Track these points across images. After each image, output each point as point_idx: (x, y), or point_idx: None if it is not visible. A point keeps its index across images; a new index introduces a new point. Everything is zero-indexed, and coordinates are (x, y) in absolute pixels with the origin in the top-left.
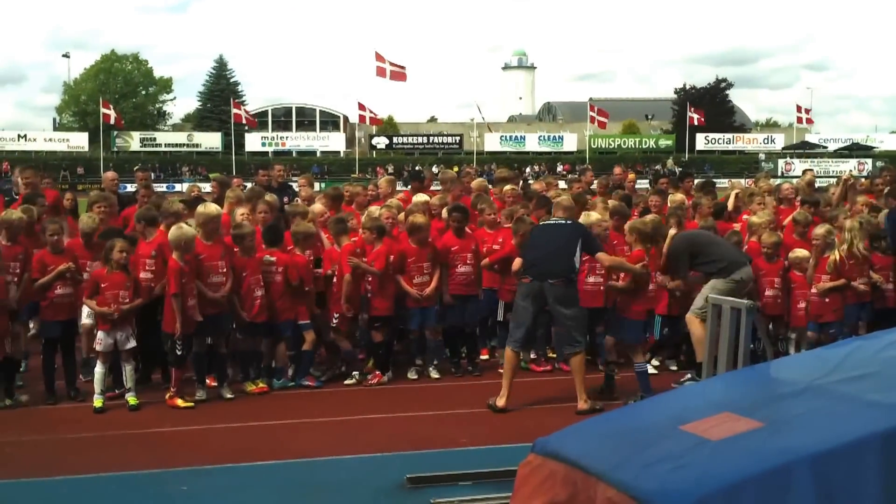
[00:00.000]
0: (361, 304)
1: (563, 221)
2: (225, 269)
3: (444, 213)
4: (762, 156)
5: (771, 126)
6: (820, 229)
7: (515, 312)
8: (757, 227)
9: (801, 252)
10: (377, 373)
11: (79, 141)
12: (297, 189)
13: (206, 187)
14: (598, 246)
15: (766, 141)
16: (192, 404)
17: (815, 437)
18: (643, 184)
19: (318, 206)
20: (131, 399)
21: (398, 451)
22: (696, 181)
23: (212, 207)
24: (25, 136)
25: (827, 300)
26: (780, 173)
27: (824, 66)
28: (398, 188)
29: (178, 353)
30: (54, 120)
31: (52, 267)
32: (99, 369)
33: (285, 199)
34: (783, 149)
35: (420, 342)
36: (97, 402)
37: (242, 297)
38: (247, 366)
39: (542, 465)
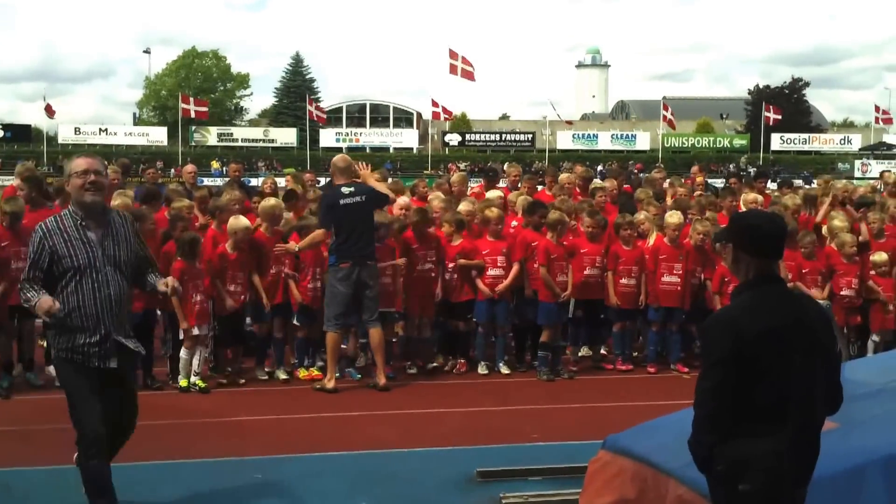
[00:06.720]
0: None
1: (361, 199)
2: (287, 261)
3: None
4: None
5: (847, 126)
6: None
7: (335, 297)
8: (838, 230)
9: (883, 255)
10: (462, 361)
11: (158, 135)
12: None
13: (281, 181)
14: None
15: (842, 141)
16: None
17: (890, 438)
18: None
19: (436, 202)
20: (199, 382)
21: (468, 445)
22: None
23: (273, 200)
24: (106, 130)
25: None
26: (856, 174)
27: None
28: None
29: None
30: (134, 115)
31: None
32: (184, 356)
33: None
34: (860, 149)
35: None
36: (182, 382)
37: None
38: (303, 353)
39: (612, 461)
